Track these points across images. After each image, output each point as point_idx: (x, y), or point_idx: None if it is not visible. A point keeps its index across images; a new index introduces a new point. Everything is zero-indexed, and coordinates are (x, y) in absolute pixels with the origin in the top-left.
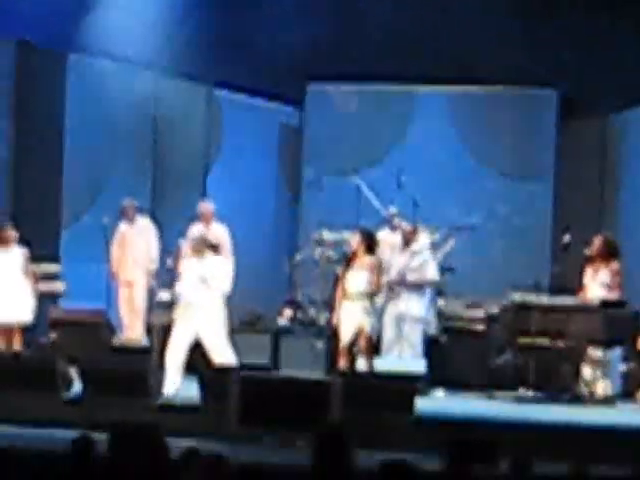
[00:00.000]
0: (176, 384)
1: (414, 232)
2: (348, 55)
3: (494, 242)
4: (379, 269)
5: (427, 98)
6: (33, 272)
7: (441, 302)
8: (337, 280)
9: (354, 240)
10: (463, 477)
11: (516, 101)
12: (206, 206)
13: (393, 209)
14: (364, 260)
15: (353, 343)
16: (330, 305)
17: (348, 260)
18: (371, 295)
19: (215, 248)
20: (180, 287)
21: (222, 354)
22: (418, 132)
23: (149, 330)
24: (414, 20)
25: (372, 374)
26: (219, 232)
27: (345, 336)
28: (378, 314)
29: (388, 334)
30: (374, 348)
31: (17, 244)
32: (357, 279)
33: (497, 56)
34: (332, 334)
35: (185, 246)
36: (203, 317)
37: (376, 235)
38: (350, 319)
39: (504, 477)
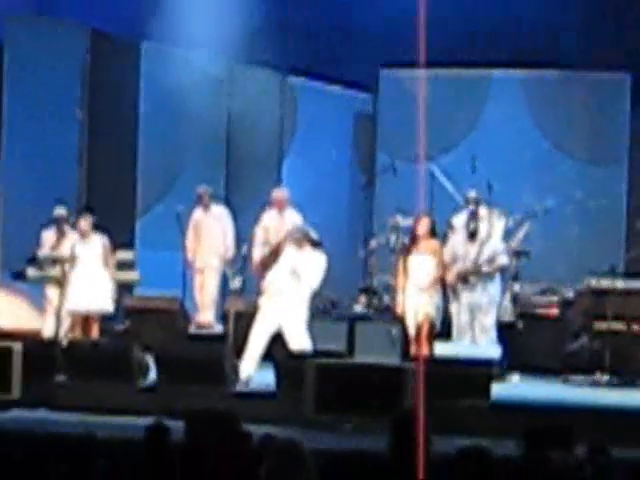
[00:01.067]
0: (252, 371)
1: (479, 220)
2: (420, 40)
3: (569, 227)
4: (442, 252)
5: (501, 83)
6: (111, 260)
7: (516, 287)
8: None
9: (423, 224)
10: (540, 463)
11: (590, 85)
12: (280, 193)
13: (473, 193)
14: (429, 244)
15: (420, 328)
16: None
17: (411, 244)
18: (436, 281)
19: (315, 243)
20: (271, 275)
21: (300, 344)
22: (492, 117)
23: (224, 317)
24: (487, 4)
25: (442, 360)
26: (293, 219)
27: (411, 322)
28: (442, 300)
29: (461, 320)
30: (440, 334)
31: (95, 233)
32: (422, 263)
33: (571, 40)
34: (400, 320)
35: (259, 233)
36: (289, 308)
37: (452, 221)
38: (415, 305)
39: (581, 462)
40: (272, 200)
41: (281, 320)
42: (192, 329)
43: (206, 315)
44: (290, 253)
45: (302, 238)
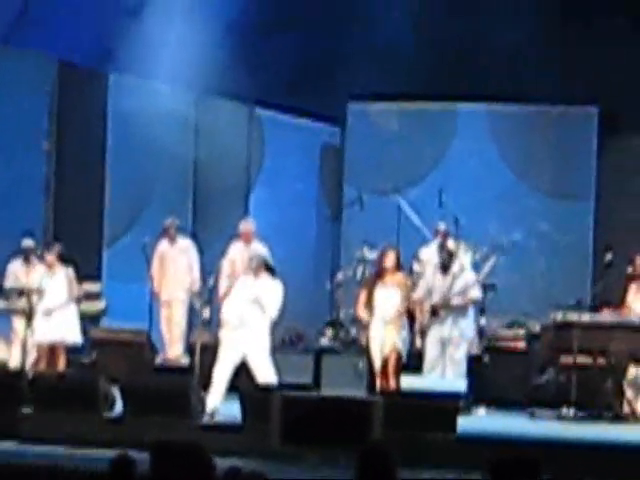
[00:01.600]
0: (218, 403)
1: (452, 255)
2: (388, 73)
3: (535, 260)
4: (410, 286)
5: (468, 116)
6: (76, 291)
7: (482, 320)
8: (360, 295)
9: (389, 257)
10: None
11: (557, 118)
12: (247, 225)
13: (443, 225)
14: (395, 277)
15: (386, 362)
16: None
17: (376, 276)
18: (402, 314)
19: (272, 271)
20: (229, 305)
21: (266, 375)
22: (459, 150)
23: (190, 349)
24: (454, 38)
25: (407, 393)
26: (260, 251)
27: (377, 355)
28: (409, 333)
29: (431, 353)
30: (406, 366)
31: (61, 264)
32: (389, 296)
33: (537, 74)
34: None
35: (226, 265)
36: (252, 338)
37: (419, 254)
38: (381, 338)
39: None
40: (239, 232)
41: (245, 350)
42: (160, 362)
43: (174, 349)
44: (248, 282)
45: (259, 266)
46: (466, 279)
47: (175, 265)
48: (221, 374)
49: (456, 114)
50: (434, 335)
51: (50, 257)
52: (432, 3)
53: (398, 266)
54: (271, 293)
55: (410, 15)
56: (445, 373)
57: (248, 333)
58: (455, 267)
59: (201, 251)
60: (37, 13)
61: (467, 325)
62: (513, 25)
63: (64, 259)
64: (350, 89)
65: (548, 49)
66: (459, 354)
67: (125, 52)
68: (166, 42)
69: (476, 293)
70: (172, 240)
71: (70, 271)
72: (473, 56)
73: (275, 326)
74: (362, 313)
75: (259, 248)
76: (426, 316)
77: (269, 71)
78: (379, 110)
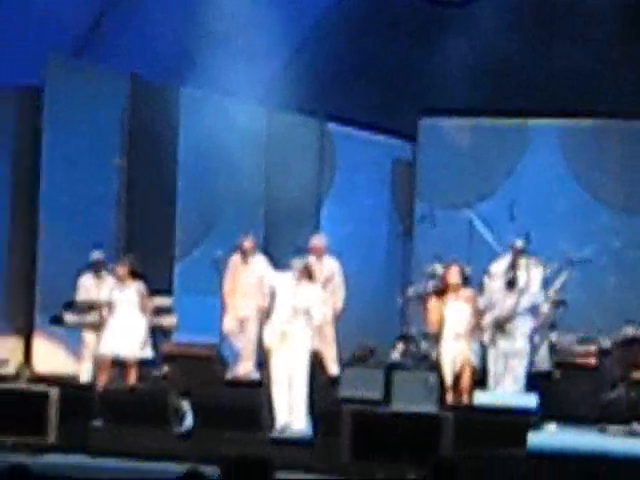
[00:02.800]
0: (288, 417)
1: (516, 269)
2: (461, 88)
3: (607, 276)
4: (477, 301)
5: (539, 131)
6: (148, 306)
7: (553, 336)
8: (427, 310)
9: (453, 272)
10: None
11: (627, 133)
12: (318, 240)
13: (520, 242)
14: (462, 292)
15: (458, 377)
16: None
17: (441, 292)
18: (474, 328)
19: (311, 275)
20: (277, 316)
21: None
22: (530, 165)
23: (261, 364)
24: (526, 53)
25: (478, 408)
26: (332, 266)
27: (448, 370)
28: (480, 347)
29: (495, 368)
30: (477, 382)
31: (132, 279)
32: (457, 312)
33: (608, 88)
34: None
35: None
36: (299, 347)
37: (490, 268)
38: (452, 353)
39: None
40: (310, 247)
41: (294, 361)
42: (230, 376)
43: (246, 364)
44: (290, 289)
45: (303, 270)
46: (534, 296)
47: (248, 281)
48: (282, 387)
49: (527, 129)
50: (498, 349)
51: (121, 270)
52: (501, 20)
53: (465, 281)
54: (316, 298)
55: (480, 32)
56: (507, 388)
57: (296, 343)
58: (521, 283)
59: (274, 267)
60: (109, 27)
61: (529, 341)
62: (585, 40)
63: (135, 273)
64: (421, 104)
65: (617, 63)
66: (520, 370)
67: (196, 67)
68: (237, 56)
69: (545, 309)
70: (245, 256)
71: (141, 285)
72: (543, 72)
73: (346, 340)
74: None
75: (331, 263)
76: (488, 330)
77: (341, 86)
78: (451, 125)
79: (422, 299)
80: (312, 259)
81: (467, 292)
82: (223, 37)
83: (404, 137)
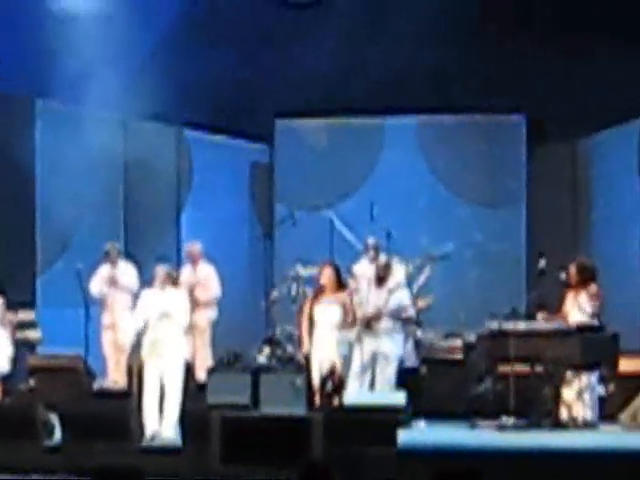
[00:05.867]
0: (157, 426)
1: (387, 267)
2: (314, 89)
3: (469, 270)
4: (351, 304)
5: (396, 129)
6: (10, 320)
7: (419, 333)
8: (301, 313)
9: (325, 274)
10: None
11: (484, 128)
12: (193, 247)
13: (372, 240)
14: (335, 294)
15: (325, 378)
16: (298, 340)
17: (316, 293)
18: (343, 330)
19: (175, 281)
20: (145, 324)
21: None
22: (388, 163)
23: (129, 372)
24: (380, 51)
25: (347, 408)
26: (208, 272)
27: (317, 372)
28: (348, 348)
29: (360, 365)
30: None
31: None
32: (328, 313)
33: (464, 84)
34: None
35: None
36: (171, 354)
37: (352, 269)
38: (321, 355)
39: None
40: (186, 253)
41: (165, 368)
42: (97, 387)
43: (120, 372)
44: (156, 295)
45: (166, 276)
46: (401, 297)
47: (118, 288)
48: (152, 396)
49: (384, 128)
50: (364, 349)
51: None
52: (354, 24)
53: (339, 282)
54: (180, 304)
55: (335, 34)
56: (375, 387)
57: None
58: (391, 282)
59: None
60: None
61: (398, 343)
62: (437, 36)
63: None
64: (277, 106)
65: (473, 58)
66: (390, 370)
67: (51, 77)
68: (92, 65)
69: (411, 311)
70: (114, 264)
71: (1, 299)
72: (397, 69)
73: (211, 346)
74: (305, 332)
75: (206, 268)
76: (355, 330)
77: (195, 91)
78: (307, 126)
79: (295, 302)
80: (189, 266)
81: (338, 293)
82: (74, 45)
83: (261, 140)
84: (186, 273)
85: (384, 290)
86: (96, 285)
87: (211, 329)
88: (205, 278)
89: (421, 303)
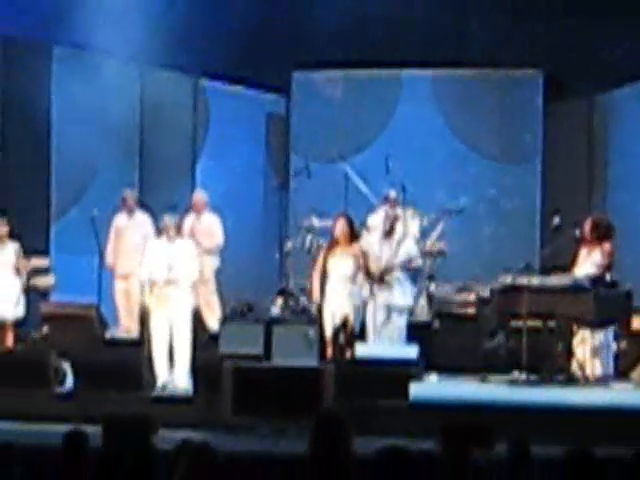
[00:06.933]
0: (167, 375)
1: (396, 219)
2: (332, 41)
3: (483, 225)
4: (364, 256)
5: (412, 82)
6: (24, 266)
7: (432, 287)
8: (314, 264)
9: (338, 226)
10: (460, 461)
11: (501, 83)
12: (198, 196)
13: (393, 192)
14: (348, 247)
15: (338, 330)
16: (309, 291)
17: (330, 245)
18: (357, 281)
19: (178, 230)
20: (154, 274)
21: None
22: (404, 117)
23: (141, 321)
24: (398, 4)
25: (359, 361)
26: (211, 222)
27: (329, 324)
28: (362, 301)
29: (376, 321)
30: (357, 335)
31: (9, 239)
32: (340, 266)
33: (481, 38)
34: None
35: None
36: (179, 304)
37: (366, 221)
38: (333, 307)
39: (501, 461)
40: (191, 203)
41: (172, 317)
42: (110, 336)
43: (127, 324)
44: (164, 246)
45: (174, 226)
46: (409, 248)
47: (131, 238)
48: (162, 345)
49: (400, 80)
50: (378, 302)
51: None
52: None
53: (352, 234)
54: (188, 255)
55: None
56: (388, 340)
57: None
58: (399, 234)
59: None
60: None
61: (410, 295)
62: None
63: (12, 234)
64: (294, 58)
65: (491, 12)
66: (402, 321)
67: (69, 24)
68: (110, 13)
69: (418, 262)
70: (130, 212)
71: (17, 246)
72: (415, 22)
73: (224, 297)
74: (315, 283)
75: (211, 218)
76: (366, 283)
77: (213, 41)
78: (323, 78)
79: (310, 253)
80: (193, 215)
81: (352, 245)
82: None
83: (278, 91)
84: (189, 222)
85: (393, 242)
86: (109, 255)
87: (215, 278)
88: (209, 226)
89: (436, 246)
